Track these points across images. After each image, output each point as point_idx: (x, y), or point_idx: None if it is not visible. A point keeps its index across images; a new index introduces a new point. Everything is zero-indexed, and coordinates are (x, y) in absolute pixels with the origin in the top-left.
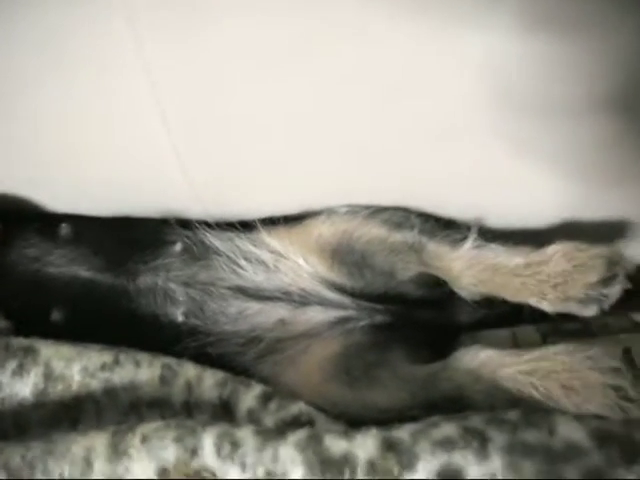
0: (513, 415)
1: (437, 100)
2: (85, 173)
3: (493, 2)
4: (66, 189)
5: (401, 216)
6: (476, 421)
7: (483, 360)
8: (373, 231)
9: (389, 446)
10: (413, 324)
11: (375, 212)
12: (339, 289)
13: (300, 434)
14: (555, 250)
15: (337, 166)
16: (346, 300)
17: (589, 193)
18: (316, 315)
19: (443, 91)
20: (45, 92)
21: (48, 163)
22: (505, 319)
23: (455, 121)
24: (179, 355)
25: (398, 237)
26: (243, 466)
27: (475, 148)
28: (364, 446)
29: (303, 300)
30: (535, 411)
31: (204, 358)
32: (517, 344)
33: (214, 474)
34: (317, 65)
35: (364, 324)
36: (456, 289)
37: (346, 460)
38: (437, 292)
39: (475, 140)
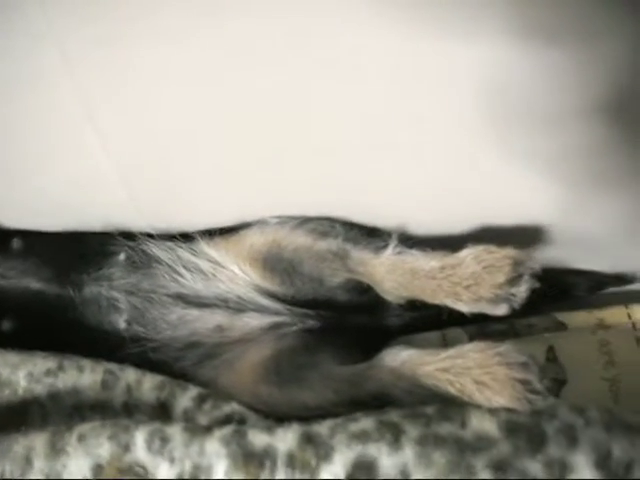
0: (429, 409)
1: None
2: (30, 191)
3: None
4: (15, 206)
5: (327, 225)
6: (393, 415)
7: (404, 359)
8: (299, 240)
9: (308, 439)
10: (343, 328)
11: (302, 222)
12: (272, 296)
13: (225, 430)
14: (467, 253)
15: (273, 181)
16: (279, 306)
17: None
18: (251, 321)
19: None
20: None
21: None
22: (435, 322)
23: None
24: (122, 361)
25: (323, 245)
26: (172, 460)
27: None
28: (284, 439)
29: (239, 307)
30: (450, 405)
31: (146, 363)
32: (447, 345)
33: (145, 468)
34: (255, 79)
35: (296, 329)
36: (381, 293)
37: (267, 453)
38: (366, 297)
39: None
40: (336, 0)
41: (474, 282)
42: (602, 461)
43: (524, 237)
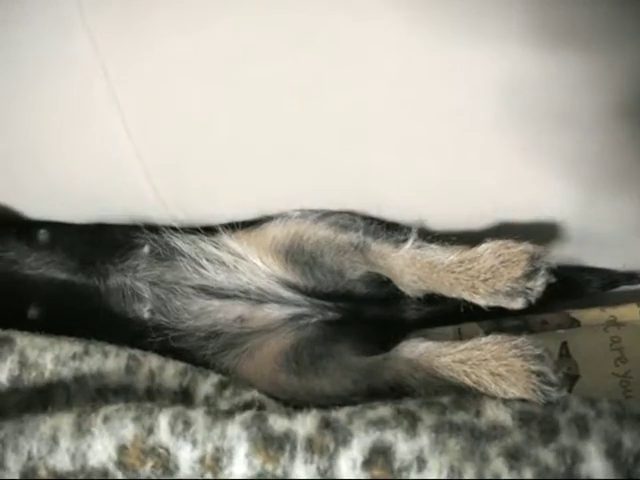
0: (445, 399)
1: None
2: (56, 182)
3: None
4: (41, 197)
5: (347, 219)
6: (410, 404)
7: (421, 351)
8: (321, 233)
9: (326, 424)
10: (362, 320)
11: (324, 215)
12: (293, 288)
13: (246, 414)
14: (485, 248)
15: (293, 173)
16: (300, 298)
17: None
18: (272, 312)
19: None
20: (13, 102)
21: (22, 173)
22: (451, 317)
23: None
24: (145, 349)
25: (344, 238)
26: (194, 443)
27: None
28: (304, 424)
29: (260, 298)
30: (466, 396)
31: (168, 352)
32: (462, 340)
33: (168, 450)
34: (274, 69)
35: (316, 320)
36: (399, 286)
37: (287, 437)
38: (385, 290)
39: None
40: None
41: (491, 276)
42: (613, 451)
43: (539, 234)
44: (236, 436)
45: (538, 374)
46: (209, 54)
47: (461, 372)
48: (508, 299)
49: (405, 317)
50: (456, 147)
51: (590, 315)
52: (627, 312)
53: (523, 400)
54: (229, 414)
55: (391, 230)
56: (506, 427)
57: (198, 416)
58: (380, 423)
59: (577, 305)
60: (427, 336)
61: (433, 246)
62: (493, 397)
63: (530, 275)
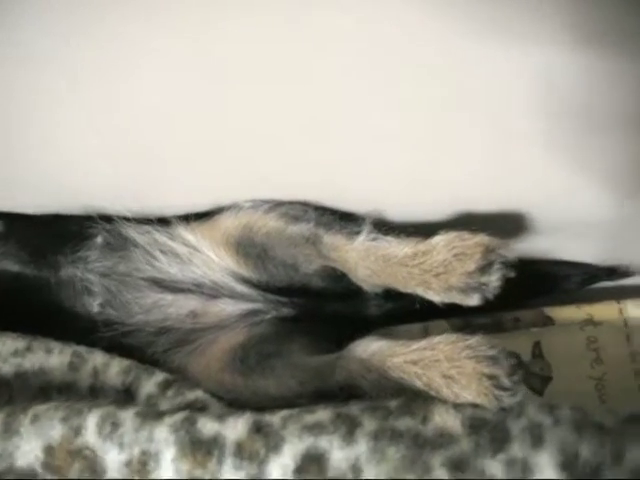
0: (392, 403)
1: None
2: (11, 172)
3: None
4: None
5: (299, 209)
6: (353, 408)
7: (374, 350)
8: (271, 224)
9: (258, 429)
10: (320, 317)
11: (275, 206)
12: (247, 282)
13: (176, 416)
14: (439, 240)
15: (246, 163)
16: (254, 293)
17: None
18: (226, 307)
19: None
20: None
21: None
22: (418, 313)
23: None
24: (95, 344)
25: (295, 229)
26: (121, 446)
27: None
28: (234, 428)
29: (214, 292)
30: (415, 400)
31: (118, 348)
32: None
33: (95, 452)
34: (225, 62)
35: (271, 316)
36: (355, 281)
37: (216, 441)
38: (343, 285)
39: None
40: None
41: (444, 270)
42: (568, 462)
43: (510, 226)
44: (163, 439)
45: (490, 377)
46: (168, 45)
47: (412, 374)
48: (462, 295)
49: (367, 314)
50: (417, 136)
51: (565, 313)
52: (605, 310)
53: (476, 405)
54: (159, 415)
55: (345, 221)
56: (454, 434)
57: (127, 417)
58: (316, 428)
59: (552, 302)
60: (390, 334)
61: (389, 238)
62: (444, 401)
63: (484, 269)
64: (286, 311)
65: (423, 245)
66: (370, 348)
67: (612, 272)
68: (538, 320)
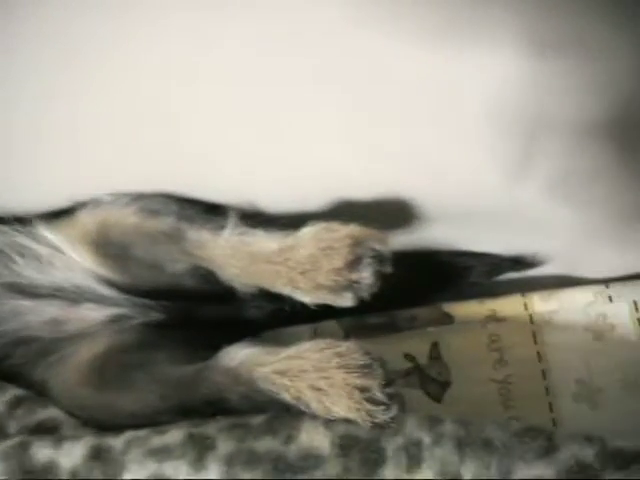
0: (256, 420)
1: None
2: None
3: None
4: None
5: (159, 202)
6: (210, 427)
7: (242, 359)
8: (129, 220)
9: (96, 455)
10: (193, 322)
11: (134, 199)
12: (111, 285)
13: (10, 443)
14: (305, 233)
15: (103, 150)
16: (119, 296)
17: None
18: (89, 313)
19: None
20: None
21: None
22: (307, 313)
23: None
24: None
25: (154, 225)
26: None
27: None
28: (70, 455)
29: (76, 297)
30: (283, 416)
31: None
32: None
33: None
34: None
35: (138, 322)
36: (223, 281)
37: (49, 470)
38: (218, 285)
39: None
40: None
41: (311, 267)
42: None
43: (400, 215)
44: None
45: (362, 390)
46: None
47: (281, 385)
48: (333, 295)
49: (247, 316)
50: (288, 119)
51: (466, 309)
52: (509, 305)
53: (349, 421)
54: None
55: (211, 214)
56: (321, 456)
57: None
58: (162, 452)
59: (452, 297)
60: (278, 339)
61: (257, 232)
62: (315, 417)
63: (353, 265)
64: (155, 316)
65: (291, 239)
66: (238, 356)
67: (517, 263)
68: (436, 318)
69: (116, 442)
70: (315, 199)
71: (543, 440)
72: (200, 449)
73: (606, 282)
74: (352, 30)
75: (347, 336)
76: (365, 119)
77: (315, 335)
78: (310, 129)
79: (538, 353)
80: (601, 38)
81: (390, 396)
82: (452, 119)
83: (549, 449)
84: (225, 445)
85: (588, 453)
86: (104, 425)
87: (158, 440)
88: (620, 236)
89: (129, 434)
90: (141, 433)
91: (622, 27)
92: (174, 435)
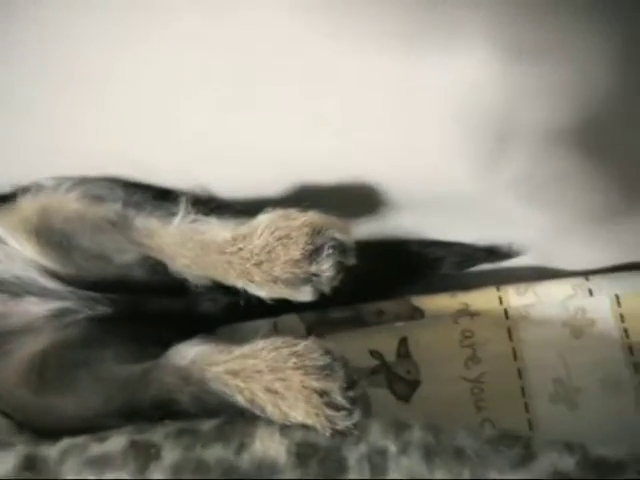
0: (207, 425)
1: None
2: None
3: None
4: None
5: (104, 187)
6: (157, 433)
7: (193, 357)
8: (71, 206)
9: (30, 465)
10: (143, 316)
11: (77, 184)
12: (55, 276)
13: None
14: (261, 220)
15: (42, 131)
16: (63, 289)
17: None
18: (32, 307)
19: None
20: None
21: None
22: (266, 307)
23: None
24: None
25: (99, 212)
26: None
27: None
28: (3, 463)
29: (18, 290)
30: (236, 421)
31: None
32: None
33: None
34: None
35: (84, 317)
36: (175, 273)
37: None
38: (170, 277)
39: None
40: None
41: (266, 258)
42: None
43: (363, 201)
44: None
45: (321, 393)
46: None
47: (234, 387)
48: (290, 289)
49: (200, 311)
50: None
51: (437, 303)
52: (483, 298)
53: (308, 427)
54: None
55: (160, 200)
56: (276, 466)
57: None
58: (102, 462)
59: (422, 290)
60: (235, 334)
61: (210, 219)
62: (271, 422)
63: (313, 256)
64: (101, 310)
65: (245, 227)
66: (189, 355)
67: (491, 253)
68: (405, 312)
69: (51, 451)
70: (273, 184)
71: (519, 448)
72: (144, 458)
73: (586, 274)
74: (312, 37)
75: (309, 331)
76: (329, 104)
77: (275, 330)
78: (268, 109)
79: (513, 350)
80: (576, 43)
81: (352, 400)
82: (418, 121)
83: (526, 457)
84: (171, 454)
85: (568, 462)
86: (42, 429)
87: (97, 448)
88: (593, 234)
89: (66, 442)
90: (79, 440)
91: (597, 32)
92: (115, 442)
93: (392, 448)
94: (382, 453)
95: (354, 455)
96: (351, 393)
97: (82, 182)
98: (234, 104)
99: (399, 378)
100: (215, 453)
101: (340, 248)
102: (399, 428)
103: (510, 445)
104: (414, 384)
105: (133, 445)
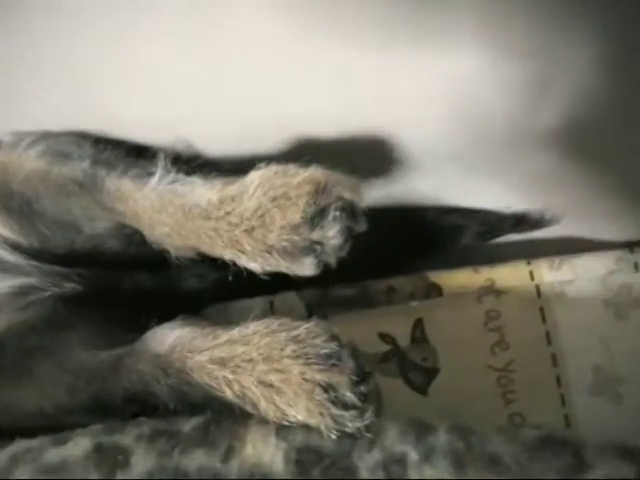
0: (189, 425)
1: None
2: None
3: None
4: None
5: (70, 143)
6: (128, 435)
7: (173, 343)
8: (31, 165)
9: None
10: (117, 294)
11: (38, 139)
12: (15, 248)
13: None
14: (253, 178)
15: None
16: (25, 263)
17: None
18: None
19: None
20: None
21: None
22: (259, 284)
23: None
24: None
25: (63, 172)
26: None
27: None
28: None
29: None
30: (224, 420)
31: None
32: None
33: None
34: None
35: (49, 295)
36: (154, 243)
37: None
38: (148, 249)
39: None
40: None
41: (259, 223)
42: None
43: (374, 160)
44: None
45: (326, 388)
46: None
47: (221, 379)
48: (288, 260)
49: (185, 287)
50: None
51: (457, 279)
52: (511, 274)
53: (309, 429)
54: None
55: (135, 158)
56: (272, 475)
57: None
58: (59, 471)
59: (440, 265)
60: (226, 313)
61: (193, 179)
62: (265, 422)
63: (315, 220)
64: (69, 287)
65: (234, 187)
66: (168, 340)
67: (520, 222)
68: (420, 290)
69: (1, 456)
70: (268, 137)
71: (569, 456)
72: (109, 466)
73: (630, 246)
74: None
75: (310, 312)
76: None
77: (271, 311)
78: (262, 54)
79: (547, 334)
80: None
81: (363, 396)
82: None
83: (576, 468)
84: (143, 461)
85: (627, 472)
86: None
87: (55, 453)
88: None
89: (17, 445)
90: (34, 443)
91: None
92: (77, 446)
93: (413, 455)
94: (401, 461)
95: (366, 463)
96: (362, 388)
97: (45, 137)
98: (220, 44)
99: (414, 366)
100: (197, 460)
101: (349, 210)
102: (421, 430)
103: (557, 452)
104: (432, 373)
105: (98, 449)
